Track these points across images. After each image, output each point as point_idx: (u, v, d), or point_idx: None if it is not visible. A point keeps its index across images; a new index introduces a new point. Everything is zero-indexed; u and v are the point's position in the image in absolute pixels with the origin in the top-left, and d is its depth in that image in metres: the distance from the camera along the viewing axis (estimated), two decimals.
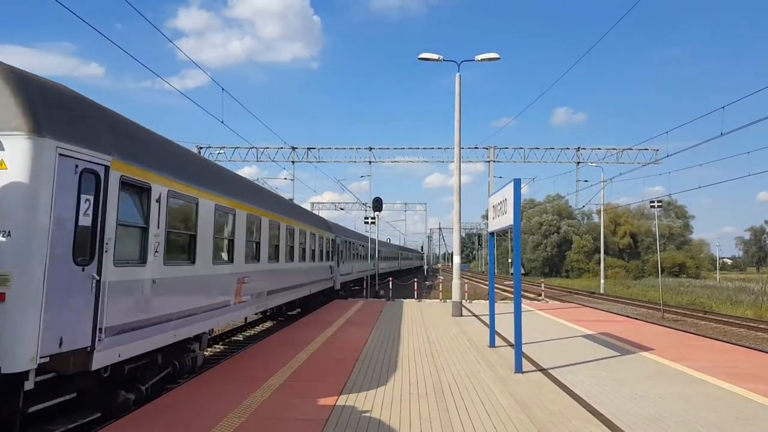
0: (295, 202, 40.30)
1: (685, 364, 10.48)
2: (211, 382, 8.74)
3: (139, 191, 7.76)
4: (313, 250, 21.42)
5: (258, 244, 13.66)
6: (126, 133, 7.91)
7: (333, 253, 26.22)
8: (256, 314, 16.73)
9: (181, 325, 9.02)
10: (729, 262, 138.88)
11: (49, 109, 6.27)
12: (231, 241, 11.61)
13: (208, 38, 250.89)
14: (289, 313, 20.69)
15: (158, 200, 8.17)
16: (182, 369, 9.70)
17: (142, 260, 7.84)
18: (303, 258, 19.44)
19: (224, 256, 11.31)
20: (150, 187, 7.95)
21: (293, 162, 51.70)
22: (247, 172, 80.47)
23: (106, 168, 6.82)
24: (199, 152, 44.88)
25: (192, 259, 9.54)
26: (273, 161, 51.13)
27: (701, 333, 19.23)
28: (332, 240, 26.21)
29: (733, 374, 9.57)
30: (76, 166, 6.39)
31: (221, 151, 48.83)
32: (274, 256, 15.33)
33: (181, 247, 9.36)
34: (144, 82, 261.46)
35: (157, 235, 8.14)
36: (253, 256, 13.36)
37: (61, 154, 6.14)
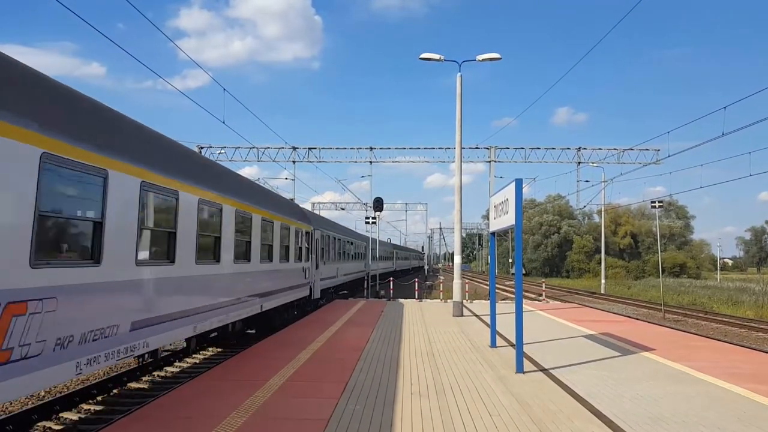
0: (296, 202, 40.17)
1: (686, 364, 10.47)
2: (212, 382, 8.74)
3: None
4: (270, 246, 15.03)
5: (100, 225, 6.91)
6: None
7: (310, 251, 20.37)
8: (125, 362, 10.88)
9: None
10: (729, 262, 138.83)
11: None
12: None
13: (209, 38, 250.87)
14: (249, 331, 15.71)
15: None
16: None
17: None
18: (247, 257, 13.07)
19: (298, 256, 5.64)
20: None
21: (294, 162, 51.76)
22: (248, 171, 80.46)
23: None
24: (200, 152, 44.89)
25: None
26: (274, 161, 51.23)
27: (702, 333, 19.22)
28: (309, 234, 20.30)
29: (735, 374, 9.56)
30: None
31: (222, 151, 48.88)
32: (165, 255, 8.94)
33: None
34: (145, 82, 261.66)
35: None
36: (83, 252, 6.84)
37: None
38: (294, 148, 51.19)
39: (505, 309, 17.86)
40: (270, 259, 15.02)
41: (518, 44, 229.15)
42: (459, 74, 19.53)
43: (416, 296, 26.98)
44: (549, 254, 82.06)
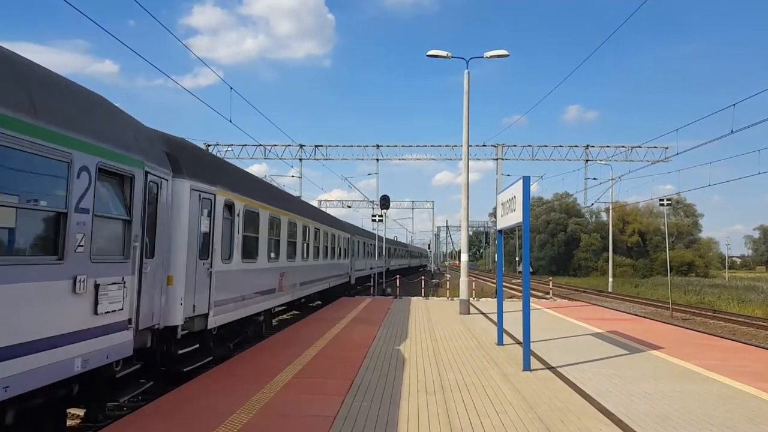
0: (303, 199, 40.28)
1: (694, 362, 10.41)
2: (218, 379, 8.75)
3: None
4: (332, 248, 24.03)
5: (295, 243, 16.79)
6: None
7: (348, 251, 28.78)
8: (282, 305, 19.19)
9: (252, 304, 12.40)
10: (738, 260, 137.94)
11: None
12: (277, 242, 14.78)
13: (222, 36, 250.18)
14: (311, 305, 22.50)
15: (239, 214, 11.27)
16: (256, 331, 13.52)
17: (230, 257, 10.90)
18: (324, 255, 21.87)
19: (268, 252, 13.76)
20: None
21: (301, 159, 51.81)
22: (256, 169, 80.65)
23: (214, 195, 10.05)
24: (207, 149, 45.05)
25: (256, 257, 12.70)
26: (281, 159, 51.25)
27: (710, 332, 19.12)
28: (349, 239, 28.96)
29: (744, 373, 9.50)
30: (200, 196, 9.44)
31: (229, 149, 48.99)
32: (307, 255, 18.48)
33: (251, 247, 12.40)
34: (157, 80, 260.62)
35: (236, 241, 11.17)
36: (292, 254, 16.37)
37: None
38: (301, 146, 51.25)
39: (512, 307, 17.78)
40: (332, 257, 23.93)
41: (529, 42, 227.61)
42: (466, 71, 19.50)
43: (423, 294, 26.97)
44: (556, 252, 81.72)
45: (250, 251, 12.19)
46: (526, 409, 7.18)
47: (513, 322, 13.65)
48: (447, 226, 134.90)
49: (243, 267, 11.52)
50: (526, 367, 9.60)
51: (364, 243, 34.78)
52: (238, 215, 11.10)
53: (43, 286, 5.46)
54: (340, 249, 26.15)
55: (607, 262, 49.30)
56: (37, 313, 5.38)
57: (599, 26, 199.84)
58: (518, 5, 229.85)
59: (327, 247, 22.41)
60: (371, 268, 35.63)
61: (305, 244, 18.07)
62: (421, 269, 76.82)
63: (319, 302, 23.15)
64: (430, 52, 19.72)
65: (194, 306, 9.13)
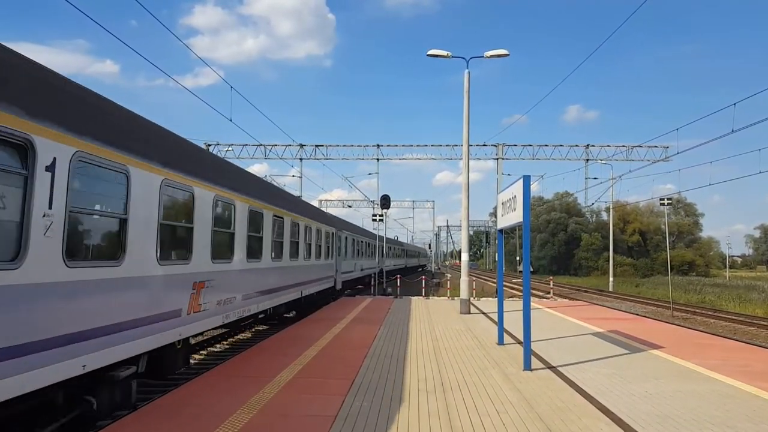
0: (304, 199, 40.35)
1: (695, 362, 10.39)
2: (218, 380, 8.74)
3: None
4: (310, 245, 18.98)
5: (233, 236, 11.22)
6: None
7: (332, 249, 23.89)
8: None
9: (98, 348, 6.33)
10: (738, 260, 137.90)
11: None
12: (188, 231, 9.04)
13: (222, 36, 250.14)
14: (286, 315, 19.12)
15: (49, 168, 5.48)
16: (106, 406, 6.95)
17: (17, 257, 5.14)
18: (295, 254, 16.87)
19: (159, 249, 7.88)
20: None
21: (301, 159, 51.82)
22: (257, 169, 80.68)
23: None
24: (208, 149, 45.10)
25: (119, 258, 6.85)
26: (281, 159, 51.26)
27: (711, 331, 19.11)
28: (334, 235, 24.20)
29: (745, 372, 9.48)
30: None
31: (230, 149, 49.01)
32: (260, 253, 13.01)
33: (102, 237, 6.92)
34: (158, 80, 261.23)
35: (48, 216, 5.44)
36: (224, 253, 10.72)
37: None
38: (301, 146, 51.27)
39: (513, 307, 17.77)
40: (308, 256, 18.84)
41: (530, 42, 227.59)
42: (467, 71, 19.50)
43: (423, 294, 26.97)
44: (556, 252, 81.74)
45: (95, 245, 6.73)
46: (526, 409, 7.17)
47: (513, 322, 13.65)
48: (447, 226, 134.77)
49: (73, 276, 5.89)
50: (527, 366, 9.59)
51: (354, 240, 29.97)
52: (51, 169, 5.46)
53: None
54: (321, 246, 20.86)
55: (608, 261, 49.27)
56: None
57: (599, 26, 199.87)
58: (518, 5, 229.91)
59: (299, 243, 17.15)
60: (362, 270, 32.44)
61: (258, 239, 12.84)
62: (420, 269, 76.45)
63: (294, 312, 19.53)
64: (431, 52, 19.73)
65: None
